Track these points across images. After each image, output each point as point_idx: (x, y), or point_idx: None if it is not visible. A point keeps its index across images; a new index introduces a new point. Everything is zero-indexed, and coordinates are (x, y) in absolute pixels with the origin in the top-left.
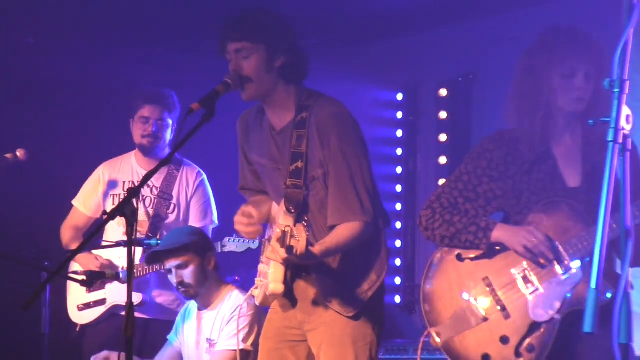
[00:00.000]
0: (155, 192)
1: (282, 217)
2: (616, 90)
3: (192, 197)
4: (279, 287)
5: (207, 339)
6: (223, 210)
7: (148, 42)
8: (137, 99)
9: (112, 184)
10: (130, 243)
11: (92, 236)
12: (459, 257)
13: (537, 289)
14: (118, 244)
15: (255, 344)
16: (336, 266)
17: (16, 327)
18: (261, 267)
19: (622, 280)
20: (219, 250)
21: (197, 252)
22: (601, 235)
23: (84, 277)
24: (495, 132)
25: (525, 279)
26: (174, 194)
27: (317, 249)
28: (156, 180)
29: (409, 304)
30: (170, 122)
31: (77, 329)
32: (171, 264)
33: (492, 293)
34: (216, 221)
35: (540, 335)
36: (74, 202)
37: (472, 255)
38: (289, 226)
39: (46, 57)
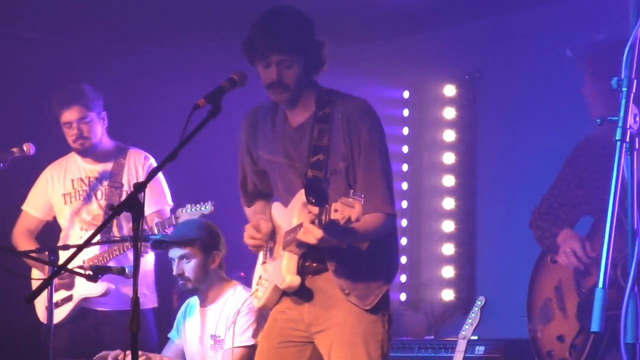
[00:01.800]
0: (106, 182)
1: (299, 210)
2: (624, 89)
3: None
4: (296, 279)
5: (212, 335)
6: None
7: (156, 37)
8: (52, 106)
9: (60, 184)
10: (136, 237)
11: (98, 232)
12: (552, 260)
13: (584, 292)
14: (124, 239)
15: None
16: (355, 257)
17: (20, 320)
18: (261, 269)
19: (629, 280)
20: (174, 223)
21: (202, 248)
22: (608, 236)
23: (90, 272)
24: (585, 139)
25: (578, 284)
26: (124, 181)
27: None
28: (104, 172)
29: (414, 301)
30: (92, 116)
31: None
32: (175, 253)
33: (558, 294)
34: (170, 202)
35: (583, 335)
36: (23, 207)
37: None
38: (324, 207)
39: (51, 52)
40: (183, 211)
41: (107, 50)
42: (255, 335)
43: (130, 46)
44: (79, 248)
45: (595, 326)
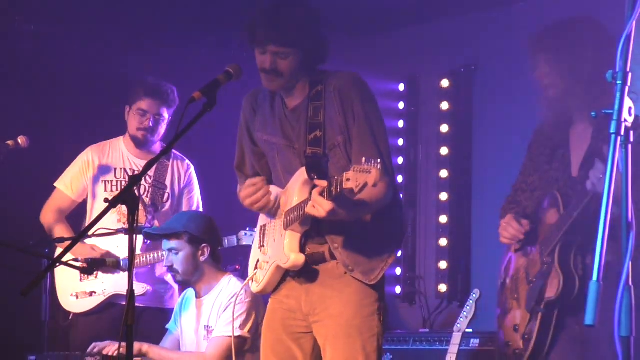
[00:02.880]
0: (150, 180)
1: (299, 189)
2: (619, 82)
3: (184, 188)
4: (300, 257)
5: (205, 326)
6: (216, 201)
7: (151, 30)
8: (137, 90)
9: (102, 169)
10: (131, 230)
11: (94, 224)
12: (515, 249)
13: (532, 281)
14: (119, 232)
15: (252, 331)
16: (358, 233)
17: (16, 314)
18: (259, 253)
19: (623, 273)
20: (235, 244)
21: (190, 241)
22: (603, 228)
23: (85, 265)
24: (540, 123)
25: (527, 272)
26: (167, 183)
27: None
28: (150, 169)
29: (410, 294)
30: (167, 116)
31: (70, 317)
32: (165, 246)
33: (513, 284)
34: (200, 210)
35: (531, 324)
36: (57, 184)
37: (517, 247)
38: (335, 178)
39: (47, 44)
40: (246, 234)
41: (105, 42)
42: (243, 327)
43: (128, 38)
44: (74, 240)
45: (589, 319)
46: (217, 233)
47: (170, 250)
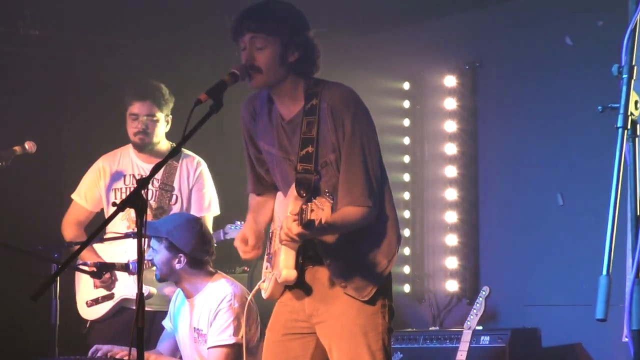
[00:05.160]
0: (157, 184)
1: (292, 204)
2: (625, 76)
3: (192, 187)
4: (292, 274)
5: (195, 328)
6: (225, 197)
7: (156, 34)
8: (126, 95)
9: (113, 177)
10: (140, 234)
11: (102, 228)
12: None
13: None
14: (127, 235)
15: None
16: (348, 251)
17: (26, 318)
18: (266, 260)
19: (634, 266)
20: (222, 238)
21: (168, 248)
22: (612, 222)
23: (94, 269)
24: None
25: None
26: (175, 185)
27: (333, 219)
28: (157, 172)
29: (418, 293)
30: (160, 116)
31: (87, 325)
32: (151, 242)
33: None
34: (217, 210)
35: None
36: (73, 196)
37: None
38: (306, 205)
39: (52, 49)
40: (232, 228)
41: (108, 46)
42: (237, 333)
43: (131, 42)
44: (83, 245)
45: (599, 313)
46: (202, 243)
47: (152, 247)
